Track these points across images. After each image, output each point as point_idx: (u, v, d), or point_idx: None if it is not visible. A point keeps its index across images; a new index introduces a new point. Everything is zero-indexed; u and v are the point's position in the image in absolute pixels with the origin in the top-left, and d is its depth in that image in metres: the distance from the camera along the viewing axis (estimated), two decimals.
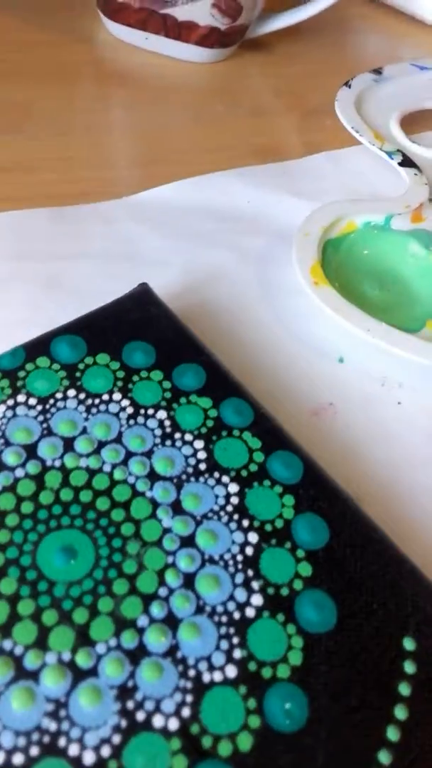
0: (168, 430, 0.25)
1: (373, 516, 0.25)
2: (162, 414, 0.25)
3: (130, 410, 0.25)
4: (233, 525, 0.22)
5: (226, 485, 0.23)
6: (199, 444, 0.24)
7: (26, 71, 0.46)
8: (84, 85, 0.46)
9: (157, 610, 0.20)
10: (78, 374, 0.26)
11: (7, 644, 0.19)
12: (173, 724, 0.19)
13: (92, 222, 0.36)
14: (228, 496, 0.23)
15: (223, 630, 0.20)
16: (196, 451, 0.24)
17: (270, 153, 0.42)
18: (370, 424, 0.29)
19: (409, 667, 0.20)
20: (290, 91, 0.48)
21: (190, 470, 0.24)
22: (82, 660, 0.19)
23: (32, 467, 0.23)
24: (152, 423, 0.25)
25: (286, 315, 0.33)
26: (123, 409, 0.25)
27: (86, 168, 0.39)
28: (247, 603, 0.21)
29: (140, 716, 0.19)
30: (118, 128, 0.42)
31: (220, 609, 0.21)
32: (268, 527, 0.23)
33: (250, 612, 0.21)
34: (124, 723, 0.18)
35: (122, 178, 0.39)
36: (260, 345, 0.32)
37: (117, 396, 0.25)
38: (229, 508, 0.23)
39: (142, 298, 0.29)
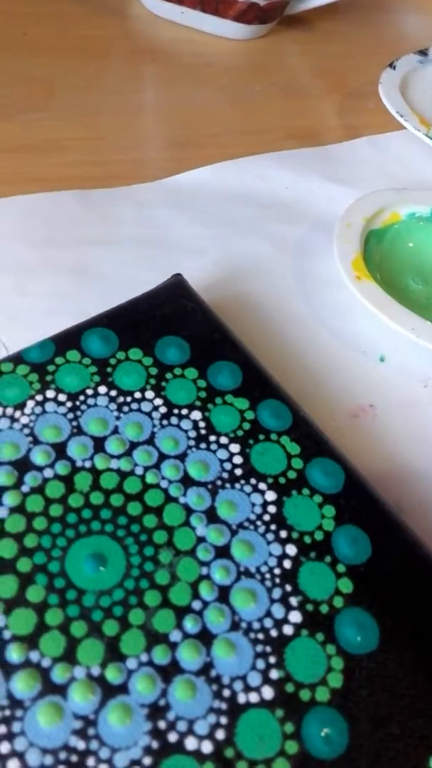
0: (203, 432, 0.23)
1: (414, 527, 0.23)
2: (196, 414, 0.24)
3: (163, 410, 0.24)
4: (270, 536, 0.21)
5: (263, 493, 0.22)
6: (235, 448, 0.23)
7: (51, 46, 0.44)
8: (114, 61, 0.44)
9: (190, 624, 0.19)
10: (109, 370, 0.24)
11: (34, 656, 0.18)
12: (207, 747, 0.18)
13: (123, 206, 0.34)
14: (265, 504, 0.22)
15: (259, 648, 0.19)
16: (231, 455, 0.23)
17: (309, 136, 0.40)
18: (412, 427, 0.28)
19: None
20: (330, 71, 0.46)
21: (225, 476, 0.22)
22: (112, 675, 0.18)
23: (61, 468, 0.22)
24: (186, 424, 0.23)
25: (325, 310, 0.32)
26: (156, 408, 0.24)
27: (116, 149, 0.37)
28: (285, 620, 0.20)
29: (172, 737, 0.18)
30: (149, 108, 0.41)
31: (256, 625, 0.20)
32: (307, 539, 0.21)
33: (288, 630, 0.20)
34: (155, 744, 0.18)
35: (154, 160, 0.37)
36: (297, 341, 0.30)
37: (150, 394, 0.24)
38: (266, 518, 0.22)
39: (176, 291, 0.27)
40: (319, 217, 0.35)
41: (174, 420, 0.24)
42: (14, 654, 0.18)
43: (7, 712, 0.17)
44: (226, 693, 0.18)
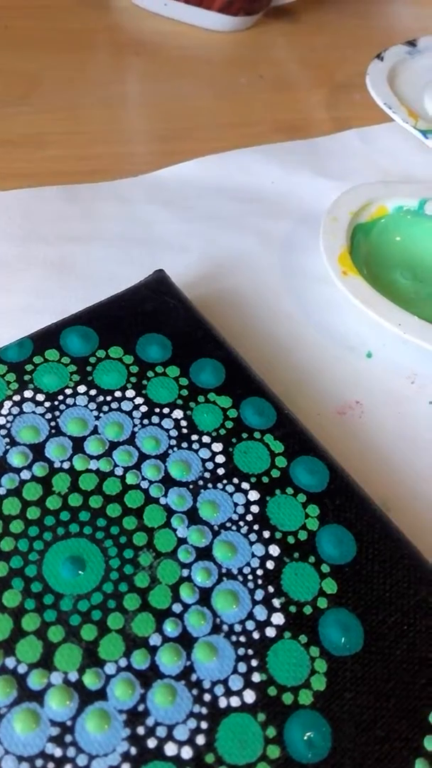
0: (184, 431, 0.23)
1: (400, 526, 0.23)
2: (178, 413, 0.23)
3: (144, 409, 0.23)
4: (253, 536, 0.21)
5: (246, 492, 0.22)
6: (217, 447, 0.23)
7: (35, 39, 0.43)
8: (98, 54, 0.43)
9: (170, 628, 0.19)
10: (89, 368, 0.24)
11: (10, 662, 0.18)
12: (186, 753, 0.17)
13: (106, 201, 0.34)
14: (248, 504, 0.22)
15: (241, 651, 0.19)
16: (214, 454, 0.23)
17: (296, 129, 0.40)
18: (399, 424, 0.28)
19: None
20: (318, 64, 0.45)
21: (207, 475, 0.22)
22: (90, 681, 0.18)
23: (39, 469, 0.21)
24: (168, 423, 0.23)
25: (312, 306, 0.31)
26: (137, 407, 0.23)
27: (99, 143, 0.37)
28: (268, 622, 0.19)
29: (151, 743, 0.17)
30: (133, 101, 0.40)
31: (238, 628, 0.19)
32: (291, 539, 0.21)
33: (270, 632, 0.19)
34: (134, 750, 0.17)
35: (138, 154, 0.37)
36: (283, 338, 0.30)
37: (130, 393, 0.24)
38: (249, 518, 0.21)
39: (158, 287, 0.27)
40: (306, 211, 0.35)
41: (155, 419, 0.23)
42: None
43: None
44: (207, 697, 0.18)
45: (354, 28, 0.49)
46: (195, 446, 0.23)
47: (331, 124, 0.41)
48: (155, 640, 0.19)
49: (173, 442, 0.23)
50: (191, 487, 0.22)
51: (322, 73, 0.45)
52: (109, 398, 0.23)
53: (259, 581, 0.20)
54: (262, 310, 0.30)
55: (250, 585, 0.20)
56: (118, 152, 0.37)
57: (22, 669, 0.18)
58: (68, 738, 0.17)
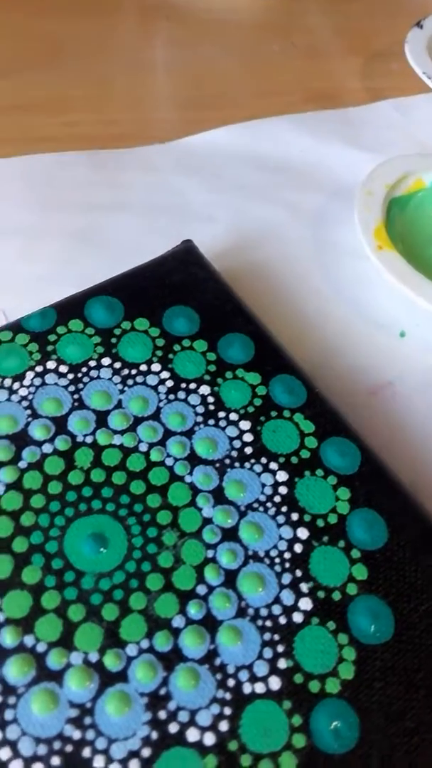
0: (211, 407, 0.22)
1: (429, 509, 0.22)
2: (205, 389, 0.22)
3: (169, 383, 0.22)
4: (281, 518, 0.20)
5: (274, 473, 0.21)
6: (245, 425, 0.22)
7: (62, 1, 0.42)
8: (126, 17, 0.42)
9: (194, 610, 0.18)
10: (114, 340, 0.23)
11: (29, 640, 0.17)
12: (209, 739, 0.17)
13: (132, 168, 0.33)
14: (276, 485, 0.21)
15: (267, 636, 0.18)
16: (242, 432, 0.22)
17: (329, 99, 0.38)
18: None
19: None
20: (353, 30, 0.43)
21: (234, 454, 0.21)
22: (111, 662, 0.17)
23: (61, 443, 0.21)
24: (194, 399, 0.22)
25: (344, 281, 0.30)
26: (162, 381, 0.22)
27: (126, 109, 0.36)
28: (295, 607, 0.19)
29: (173, 728, 0.17)
30: (161, 66, 0.39)
31: (264, 612, 0.18)
32: (320, 522, 0.20)
33: (297, 617, 0.18)
34: (155, 735, 0.17)
35: (165, 121, 0.36)
36: (313, 314, 0.29)
37: (156, 367, 0.23)
38: (277, 499, 0.20)
39: (185, 258, 0.26)
40: (338, 183, 0.34)
41: (181, 395, 0.22)
42: (7, 638, 0.17)
43: (0, 699, 0.17)
44: (231, 683, 0.17)
45: None
46: (222, 423, 0.22)
47: (365, 94, 0.39)
48: (178, 622, 0.18)
49: (200, 418, 0.22)
50: (217, 465, 0.21)
51: (357, 41, 0.43)
52: (134, 371, 0.23)
53: (287, 564, 0.19)
54: (292, 284, 0.29)
55: (277, 568, 0.19)
56: (144, 118, 0.35)
57: (41, 647, 0.17)
58: (87, 720, 0.17)
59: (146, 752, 0.16)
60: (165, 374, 0.23)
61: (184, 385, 0.22)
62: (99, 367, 0.22)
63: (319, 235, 0.31)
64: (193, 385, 0.22)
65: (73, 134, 0.33)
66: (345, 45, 0.43)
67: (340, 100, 0.38)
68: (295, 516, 0.20)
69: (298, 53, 0.41)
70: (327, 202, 0.33)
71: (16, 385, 0.22)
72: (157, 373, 0.23)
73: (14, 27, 0.38)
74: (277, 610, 0.19)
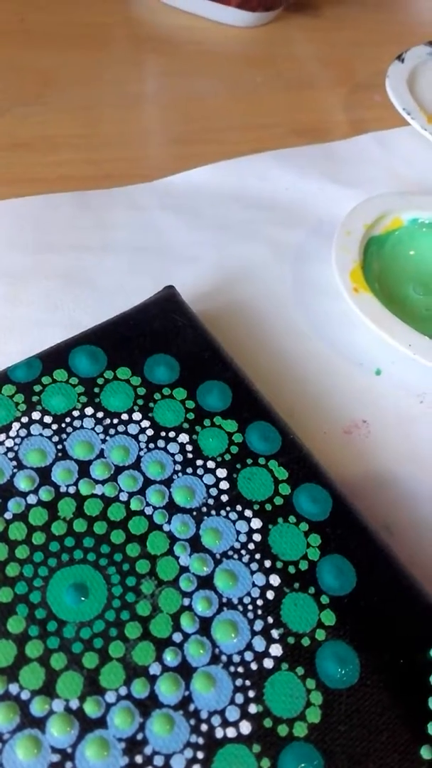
0: (189, 455, 0.23)
1: (402, 551, 0.23)
2: (184, 437, 0.23)
3: (150, 432, 0.23)
4: (254, 565, 0.21)
5: (248, 520, 0.22)
6: (222, 472, 0.23)
7: (50, 33, 0.43)
8: (114, 50, 0.43)
9: (170, 657, 0.19)
10: (97, 390, 0.24)
11: (14, 688, 0.18)
12: None
13: (118, 208, 0.33)
14: (250, 532, 0.22)
15: (239, 682, 0.19)
16: (218, 480, 0.23)
17: (313, 132, 0.39)
18: (406, 445, 0.28)
19: None
20: (337, 61, 0.44)
21: (211, 502, 0.22)
22: (91, 709, 0.18)
23: (45, 493, 0.22)
24: (173, 447, 0.23)
25: (322, 319, 0.31)
26: (143, 430, 0.23)
27: (113, 147, 0.37)
28: (266, 653, 0.20)
29: None
30: (148, 101, 0.40)
31: (236, 659, 0.20)
32: (292, 569, 0.21)
33: (268, 663, 0.20)
34: None
35: (152, 158, 0.36)
36: (292, 352, 0.30)
37: (137, 416, 0.24)
38: (251, 546, 0.21)
39: (167, 305, 0.27)
40: (320, 220, 0.34)
41: (161, 443, 0.23)
42: None
43: None
44: (204, 727, 0.18)
45: (376, 23, 0.48)
46: (200, 472, 0.23)
47: (349, 126, 0.40)
48: (155, 669, 0.19)
49: (178, 467, 0.23)
50: (194, 513, 0.22)
51: (341, 71, 0.44)
52: (115, 421, 0.24)
53: (259, 611, 0.20)
54: (272, 324, 0.30)
55: (250, 615, 0.20)
56: (131, 156, 0.36)
57: (25, 695, 0.18)
58: (68, 765, 0.18)
59: None
60: (145, 423, 0.24)
61: (163, 434, 0.23)
62: (82, 417, 0.23)
63: (299, 274, 0.32)
64: (172, 434, 0.23)
65: (60, 174, 0.34)
66: (330, 76, 0.43)
67: (324, 133, 0.39)
68: (267, 563, 0.21)
69: (284, 84, 0.42)
70: (308, 240, 0.34)
71: (2, 437, 0.23)
72: (138, 422, 0.24)
73: (4, 61, 0.39)
74: (248, 656, 0.20)
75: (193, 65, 0.42)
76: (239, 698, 0.19)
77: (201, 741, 0.18)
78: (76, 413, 0.24)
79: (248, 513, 0.22)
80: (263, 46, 0.45)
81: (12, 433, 0.23)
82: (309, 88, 0.42)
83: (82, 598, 0.20)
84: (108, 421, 0.23)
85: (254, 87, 0.42)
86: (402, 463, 0.27)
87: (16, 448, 0.22)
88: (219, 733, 0.18)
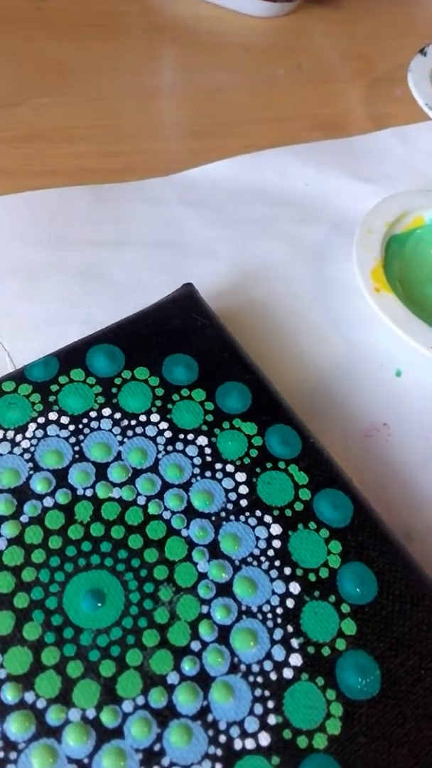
0: (208, 459, 0.23)
1: (424, 557, 0.23)
2: (203, 440, 0.23)
3: (168, 434, 0.23)
4: (274, 573, 0.21)
5: (268, 526, 0.22)
6: (241, 476, 0.22)
7: (68, 22, 0.42)
8: (132, 40, 0.42)
9: (188, 666, 0.19)
10: (114, 390, 0.24)
11: (29, 697, 0.18)
12: None
13: (136, 202, 0.33)
14: (270, 538, 0.21)
15: (258, 692, 0.19)
16: (237, 484, 0.22)
17: (333, 126, 0.38)
18: (428, 448, 0.27)
19: None
20: (358, 54, 0.43)
21: (230, 507, 0.22)
22: (108, 718, 0.18)
23: (62, 496, 0.21)
24: (192, 450, 0.23)
25: (343, 319, 0.30)
26: (161, 432, 0.23)
27: (130, 139, 0.36)
28: (286, 663, 0.19)
29: None
30: (167, 93, 0.39)
31: (255, 668, 0.19)
32: (312, 577, 0.21)
33: (287, 673, 0.19)
34: None
35: (169, 151, 0.36)
36: (311, 352, 0.29)
37: (155, 417, 0.23)
38: (271, 553, 0.21)
39: (186, 303, 0.26)
40: (341, 217, 0.34)
41: (179, 445, 0.23)
42: (9, 694, 0.18)
43: (1, 754, 0.17)
44: (222, 739, 0.18)
45: (398, 15, 0.47)
46: (218, 475, 0.22)
47: (369, 121, 0.39)
48: (173, 678, 0.19)
49: (197, 470, 0.22)
50: (213, 519, 0.21)
51: (362, 64, 0.43)
52: (133, 422, 0.23)
53: (279, 620, 0.20)
54: (291, 323, 0.30)
55: (269, 624, 0.20)
56: (148, 148, 0.36)
57: (41, 704, 0.18)
58: None
59: None
60: (164, 425, 0.23)
61: (182, 436, 0.23)
62: (99, 417, 0.23)
63: (320, 272, 0.32)
64: (190, 436, 0.23)
65: (77, 167, 0.34)
66: (350, 68, 0.43)
67: (344, 128, 0.38)
68: (287, 570, 0.21)
69: (304, 77, 0.41)
70: (328, 237, 0.33)
71: (18, 437, 0.22)
72: (156, 424, 0.23)
73: (17, 53, 0.39)
74: (268, 666, 0.19)
75: (211, 56, 0.41)
76: (258, 709, 0.19)
77: (219, 752, 0.18)
78: (93, 414, 0.23)
79: (268, 518, 0.22)
80: (283, 38, 0.44)
81: (28, 434, 0.22)
82: (329, 81, 0.41)
83: (99, 605, 0.20)
84: (126, 422, 0.23)
85: (274, 80, 0.41)
86: (423, 467, 0.27)
87: (32, 449, 0.22)
88: (237, 745, 0.18)
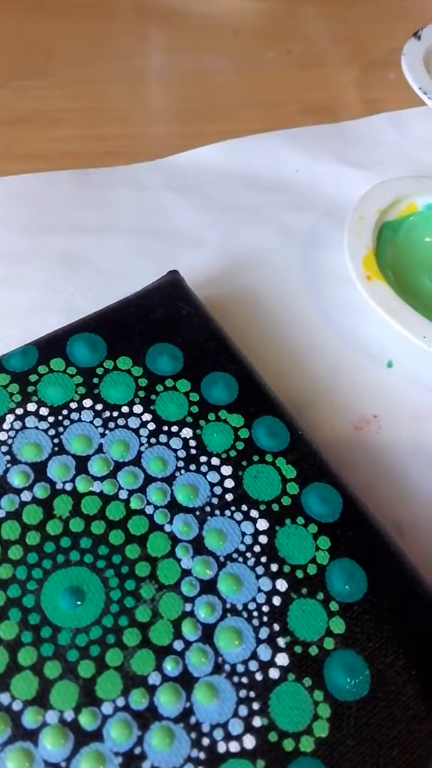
0: (193, 451, 0.22)
1: (413, 551, 0.22)
2: (187, 432, 0.22)
3: (151, 426, 0.22)
4: (260, 569, 0.20)
5: (254, 521, 0.21)
6: (226, 470, 0.22)
7: (53, 4, 0.41)
8: (119, 22, 0.41)
9: (171, 666, 0.18)
10: (96, 380, 0.23)
11: (5, 698, 0.17)
12: None
13: (121, 187, 0.32)
14: (256, 533, 0.21)
15: (243, 693, 0.18)
16: (223, 478, 0.22)
17: (324, 111, 0.37)
18: (418, 441, 0.26)
19: None
20: (350, 37, 0.42)
21: (215, 501, 0.21)
22: (86, 721, 0.17)
23: (40, 490, 0.21)
24: (176, 442, 0.22)
25: (333, 308, 0.30)
26: (144, 424, 0.22)
27: (116, 122, 0.35)
28: (272, 663, 0.19)
29: None
30: (153, 76, 0.38)
31: (240, 668, 0.19)
32: (300, 573, 0.20)
33: (274, 673, 0.19)
34: None
35: (155, 135, 0.35)
36: (301, 342, 0.28)
37: (138, 408, 0.22)
38: (257, 549, 0.20)
39: (171, 291, 0.25)
40: (332, 203, 0.33)
41: (163, 438, 0.22)
42: None
43: None
44: (206, 741, 0.18)
45: None
46: (203, 469, 0.22)
47: (361, 105, 0.38)
48: (154, 679, 0.18)
49: (181, 463, 0.22)
50: (198, 513, 0.21)
51: (354, 48, 0.42)
52: (115, 414, 0.22)
53: (265, 618, 0.19)
54: (280, 312, 0.29)
55: (255, 622, 0.19)
56: (134, 132, 0.35)
57: (16, 706, 0.17)
58: None
59: None
60: (147, 416, 0.22)
61: (165, 428, 0.22)
62: (80, 409, 0.22)
63: (310, 259, 0.31)
64: (175, 428, 0.22)
65: (61, 151, 0.33)
66: (342, 52, 0.42)
67: (336, 113, 0.38)
68: (274, 567, 0.20)
69: (294, 61, 0.41)
70: (318, 224, 0.32)
71: None
72: (139, 415, 0.22)
73: (3, 33, 0.37)
74: (253, 666, 0.19)
75: (200, 39, 0.40)
76: (243, 710, 0.18)
77: (202, 756, 0.17)
78: (73, 405, 0.22)
79: (254, 513, 0.21)
80: (273, 20, 0.43)
81: (6, 426, 0.22)
82: (320, 65, 0.40)
83: (78, 603, 0.19)
84: (107, 413, 0.22)
85: (264, 63, 0.40)
86: (414, 460, 0.26)
87: (9, 441, 0.21)
88: (221, 748, 0.17)
